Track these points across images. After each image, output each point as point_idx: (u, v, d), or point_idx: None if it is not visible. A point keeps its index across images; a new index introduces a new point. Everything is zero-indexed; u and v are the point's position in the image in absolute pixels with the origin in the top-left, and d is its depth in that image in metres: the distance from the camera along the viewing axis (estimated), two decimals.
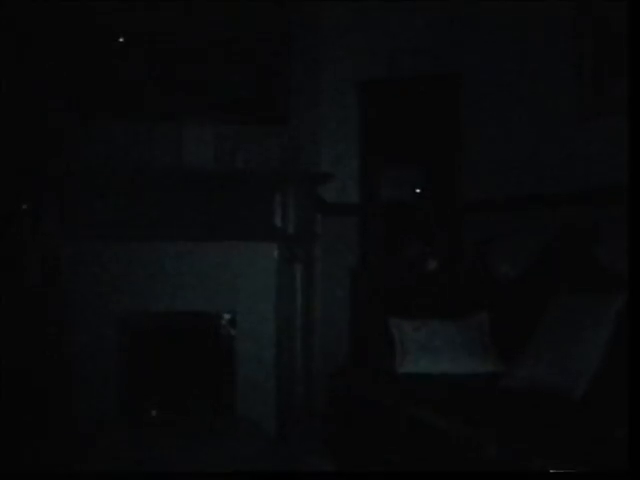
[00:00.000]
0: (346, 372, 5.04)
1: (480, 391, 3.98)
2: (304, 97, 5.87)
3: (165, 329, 5.66)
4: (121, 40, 5.52)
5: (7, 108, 5.10)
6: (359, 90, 5.76)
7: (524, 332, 4.06)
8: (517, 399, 3.71)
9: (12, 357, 5.03)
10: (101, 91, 5.49)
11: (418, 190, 5.83)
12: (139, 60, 5.57)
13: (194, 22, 5.62)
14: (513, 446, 3.10)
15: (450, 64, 5.76)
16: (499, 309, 4.56)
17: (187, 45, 5.64)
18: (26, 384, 5.05)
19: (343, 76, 5.80)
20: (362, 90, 5.75)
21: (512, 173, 5.32)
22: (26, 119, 5.10)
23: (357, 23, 5.84)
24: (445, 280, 5.44)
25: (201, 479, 4.43)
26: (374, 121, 5.70)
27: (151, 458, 4.73)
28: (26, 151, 5.08)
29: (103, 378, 5.42)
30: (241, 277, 5.65)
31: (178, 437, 5.18)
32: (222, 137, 5.58)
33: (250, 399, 5.66)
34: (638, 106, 2.75)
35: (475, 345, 4.40)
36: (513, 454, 3.05)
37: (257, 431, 5.41)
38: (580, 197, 4.66)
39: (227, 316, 5.67)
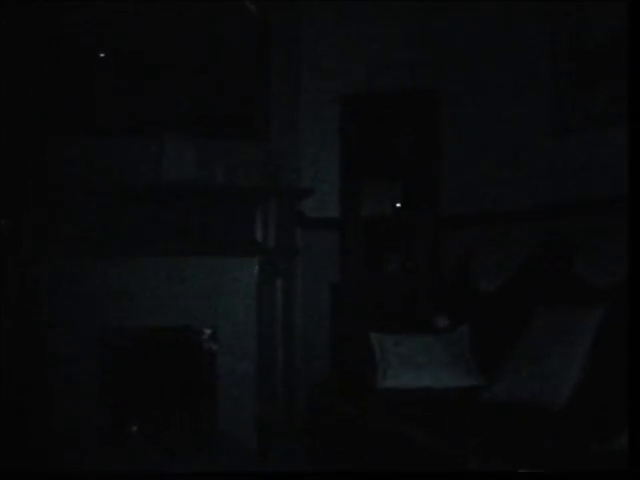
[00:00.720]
0: (327, 387, 5.03)
1: (461, 405, 3.99)
2: (284, 111, 5.88)
3: (146, 344, 5.63)
4: (102, 55, 5.51)
5: None
6: (339, 105, 5.77)
7: (505, 346, 4.07)
8: (498, 412, 3.71)
9: None
10: (81, 106, 5.47)
11: (398, 205, 5.84)
12: (120, 75, 5.56)
13: (175, 37, 5.62)
14: (495, 459, 3.10)
15: (430, 79, 5.79)
16: (480, 323, 4.57)
17: (168, 60, 5.63)
18: (6, 400, 5.02)
19: (323, 91, 5.83)
20: (342, 105, 5.77)
21: (492, 187, 5.34)
22: (4, 134, 5.07)
23: (337, 38, 5.88)
24: (426, 294, 5.45)
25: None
26: (354, 136, 5.72)
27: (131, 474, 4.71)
28: (4, 167, 5.05)
29: (83, 394, 5.39)
30: (222, 292, 5.64)
31: (158, 453, 5.16)
32: (203, 152, 5.57)
33: (231, 414, 5.64)
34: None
35: (456, 359, 4.40)
36: (495, 467, 3.05)
37: (238, 446, 5.40)
38: (560, 211, 4.69)
39: (208, 331, 5.66)
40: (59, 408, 5.27)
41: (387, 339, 4.52)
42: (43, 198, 5.18)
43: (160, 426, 5.57)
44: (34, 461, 4.89)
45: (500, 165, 5.29)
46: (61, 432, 5.22)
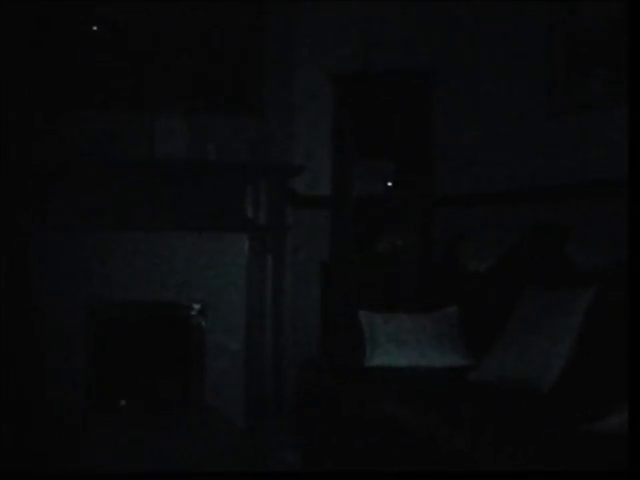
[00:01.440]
0: (315, 364, 5.03)
1: (449, 384, 4.00)
2: (277, 89, 5.86)
3: (135, 319, 5.64)
4: (95, 29, 5.49)
5: None
6: (333, 83, 5.76)
7: (493, 326, 4.09)
8: (486, 392, 3.73)
9: None
10: (72, 80, 5.45)
11: (390, 184, 5.84)
12: (111, 50, 5.54)
13: (167, 12, 5.59)
14: (482, 438, 3.11)
15: (424, 60, 5.78)
16: (469, 303, 4.58)
17: (160, 35, 5.60)
18: None
19: (317, 69, 5.81)
20: (336, 83, 5.75)
21: (483, 169, 5.35)
22: None
23: (332, 15, 5.86)
24: (416, 273, 5.46)
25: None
26: (347, 114, 5.71)
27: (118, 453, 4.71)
28: None
29: (72, 367, 5.39)
30: (212, 268, 5.64)
31: (146, 428, 5.16)
32: (194, 128, 5.56)
33: (219, 390, 5.65)
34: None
35: (445, 338, 4.41)
36: (483, 447, 3.06)
37: (226, 423, 5.41)
38: (551, 194, 4.70)
39: (197, 307, 5.66)
40: (48, 381, 5.27)
41: (376, 317, 4.53)
42: (33, 172, 5.16)
43: (148, 401, 5.58)
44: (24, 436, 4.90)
45: (493, 147, 5.30)
46: (50, 404, 5.23)
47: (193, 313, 5.68)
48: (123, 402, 5.53)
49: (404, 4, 5.90)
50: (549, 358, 3.60)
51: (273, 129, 5.78)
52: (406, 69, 5.71)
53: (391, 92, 5.70)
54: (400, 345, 4.37)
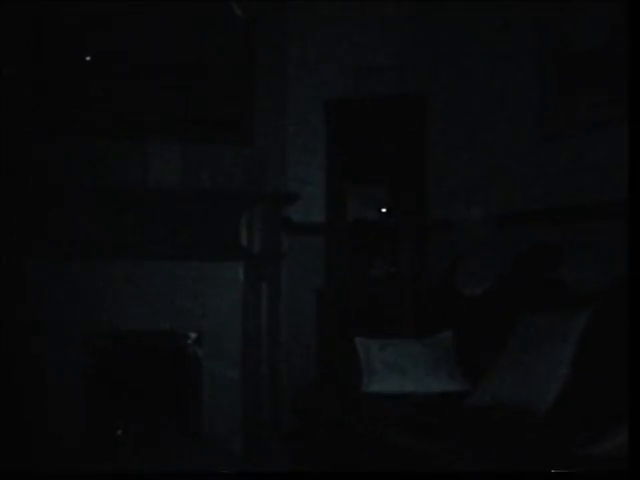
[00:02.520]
0: (313, 391, 5.03)
1: (446, 410, 3.99)
2: (270, 116, 5.87)
3: (131, 348, 5.62)
4: (88, 57, 5.50)
5: None
6: (325, 109, 5.79)
7: (490, 350, 4.08)
8: (482, 417, 3.72)
9: None
10: (67, 107, 5.45)
11: (384, 209, 5.85)
12: (105, 78, 5.54)
13: (161, 40, 5.61)
14: (479, 463, 3.11)
15: (416, 84, 5.80)
16: (464, 327, 4.58)
17: (154, 62, 5.62)
18: None
19: (309, 95, 5.83)
20: (328, 109, 5.78)
21: (478, 192, 5.36)
22: None
23: (324, 42, 5.88)
24: (411, 299, 5.46)
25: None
26: (340, 140, 5.73)
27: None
28: None
29: (69, 397, 5.37)
30: (207, 296, 5.62)
31: (144, 457, 5.15)
32: (188, 156, 5.57)
33: (217, 417, 5.63)
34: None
35: (441, 364, 4.41)
36: (479, 471, 3.05)
37: (224, 449, 5.39)
38: (545, 216, 4.71)
39: (193, 335, 5.65)
40: (44, 412, 5.25)
41: (372, 344, 4.52)
42: (29, 199, 5.16)
43: (145, 430, 5.56)
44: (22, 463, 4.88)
45: (486, 170, 5.31)
46: (47, 435, 5.21)
47: (189, 342, 5.66)
48: (119, 432, 5.51)
49: (395, 29, 5.93)
50: (545, 382, 3.60)
51: (266, 156, 5.78)
52: (398, 94, 5.74)
53: (383, 117, 5.72)
54: (396, 371, 4.37)
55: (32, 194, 5.16)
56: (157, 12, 5.59)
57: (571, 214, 4.49)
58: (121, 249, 5.39)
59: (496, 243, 5.02)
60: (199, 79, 5.73)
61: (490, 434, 3.47)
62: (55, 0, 5.34)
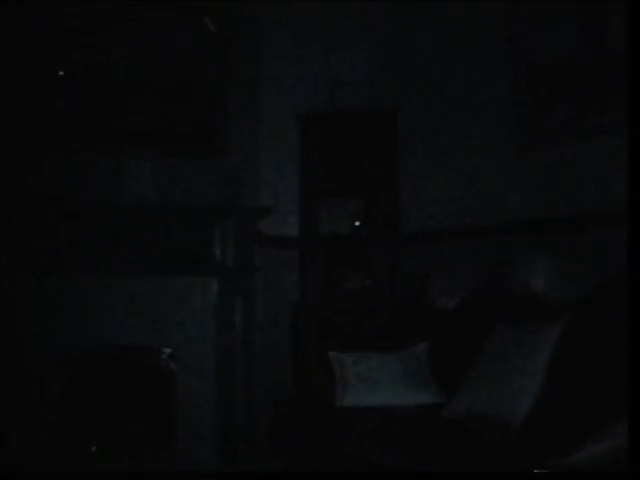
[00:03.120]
0: (287, 405, 5.02)
1: (421, 422, 3.99)
2: (244, 130, 5.88)
3: (105, 363, 5.59)
4: (61, 73, 5.48)
5: None
6: (299, 123, 5.79)
7: (464, 363, 4.08)
8: (457, 429, 3.72)
9: None
10: (40, 123, 5.43)
11: (357, 223, 5.86)
12: (78, 92, 5.53)
13: (135, 56, 5.60)
14: (452, 475, 3.11)
15: (389, 98, 5.82)
16: (438, 340, 4.58)
17: (126, 78, 5.61)
18: None
19: (283, 109, 5.84)
20: (302, 123, 5.79)
21: (451, 205, 5.37)
22: None
23: (297, 57, 5.90)
24: (385, 312, 5.46)
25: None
26: (314, 154, 5.74)
27: None
28: None
29: (41, 414, 5.33)
30: (181, 311, 5.61)
31: (117, 472, 5.13)
32: (162, 171, 5.56)
33: (191, 433, 5.60)
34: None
35: (415, 377, 4.41)
36: None
37: (199, 465, 5.37)
38: (518, 228, 4.72)
39: (167, 350, 5.63)
40: (17, 427, 5.21)
41: (346, 357, 4.52)
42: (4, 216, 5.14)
43: (119, 446, 5.52)
44: None
45: (459, 183, 5.32)
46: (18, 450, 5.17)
47: (163, 356, 5.64)
48: (94, 448, 5.47)
49: (368, 43, 5.95)
50: (520, 393, 3.60)
51: (240, 170, 5.78)
52: (371, 108, 5.76)
53: (357, 131, 5.75)
54: (371, 385, 4.36)
55: (4, 209, 5.14)
56: (130, 28, 5.59)
57: (544, 226, 4.51)
58: (95, 264, 5.37)
59: (469, 256, 5.03)
60: (173, 94, 5.72)
61: (464, 446, 3.47)
62: (27, 15, 5.33)
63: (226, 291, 5.65)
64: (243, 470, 4.38)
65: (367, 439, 3.80)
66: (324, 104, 5.81)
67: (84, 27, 5.49)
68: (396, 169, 5.75)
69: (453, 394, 4.01)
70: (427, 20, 5.65)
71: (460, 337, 4.44)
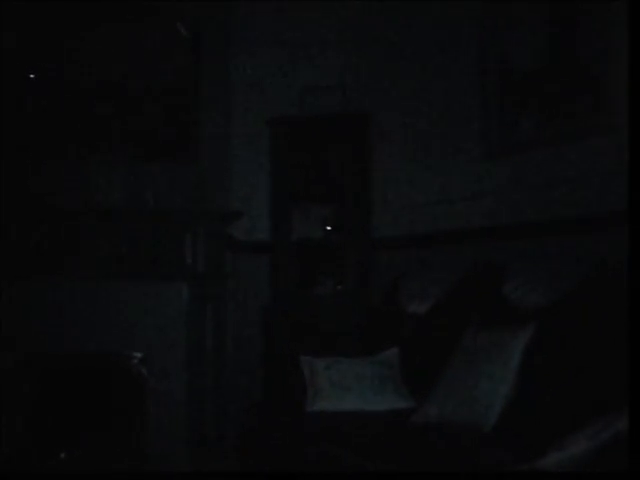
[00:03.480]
0: (257, 411, 5.01)
1: (391, 428, 3.99)
2: (214, 135, 5.87)
3: (73, 369, 5.56)
4: (32, 77, 5.46)
5: None
6: (270, 128, 5.79)
7: (435, 367, 4.09)
8: (428, 434, 3.72)
9: None
10: (10, 129, 5.40)
11: (329, 227, 5.86)
12: (50, 98, 5.51)
13: (106, 61, 5.58)
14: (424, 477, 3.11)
15: (359, 103, 5.83)
16: (409, 345, 4.59)
17: (96, 84, 5.59)
18: None
19: (254, 113, 5.84)
20: (272, 127, 5.78)
21: (422, 210, 5.38)
22: None
23: (268, 61, 5.90)
24: (356, 316, 5.46)
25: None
26: (285, 158, 5.74)
27: None
28: None
29: (10, 419, 5.29)
30: (151, 316, 5.57)
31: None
32: (131, 176, 5.54)
33: (162, 438, 5.57)
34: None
35: (386, 381, 4.41)
36: None
37: (170, 469, 5.35)
38: (489, 234, 4.74)
39: (138, 355, 5.60)
40: None
41: (317, 362, 4.51)
42: None
43: (89, 452, 5.49)
44: None
45: (431, 188, 5.33)
46: None
47: (134, 361, 5.61)
48: (63, 454, 5.44)
49: (339, 47, 5.96)
50: (490, 398, 3.61)
51: (210, 175, 5.77)
52: (342, 112, 5.77)
53: (328, 136, 5.76)
54: (342, 390, 4.36)
55: None
56: (101, 32, 5.57)
57: (514, 231, 4.53)
58: (63, 268, 5.34)
59: (441, 261, 5.04)
60: (143, 98, 5.70)
61: (435, 451, 3.47)
62: None
63: (197, 296, 5.63)
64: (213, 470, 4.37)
65: (336, 445, 3.79)
66: (295, 109, 5.80)
67: (54, 31, 5.47)
68: (368, 174, 5.76)
69: (424, 399, 4.01)
70: (399, 25, 5.66)
71: (431, 342, 4.45)
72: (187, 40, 5.79)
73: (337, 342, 5.23)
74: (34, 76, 5.48)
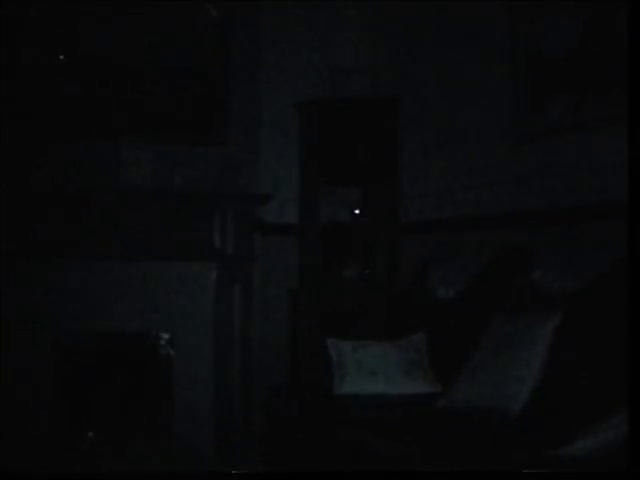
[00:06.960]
0: (284, 393, 5.03)
1: (417, 411, 3.99)
2: (244, 117, 5.87)
3: (103, 349, 5.60)
4: (61, 57, 5.48)
5: None
6: (299, 110, 5.78)
7: (462, 353, 4.09)
8: (454, 418, 3.73)
9: None
10: (39, 109, 5.43)
11: (357, 211, 5.86)
12: (78, 79, 5.53)
13: (134, 41, 5.60)
14: (447, 465, 3.11)
15: (390, 86, 5.81)
16: (437, 329, 4.58)
17: (126, 64, 5.60)
18: None
19: (283, 96, 5.83)
20: (302, 110, 5.77)
21: (451, 195, 5.36)
22: None
23: (297, 43, 5.89)
24: (384, 300, 5.46)
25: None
26: (313, 141, 5.73)
27: None
28: None
29: (38, 399, 5.34)
30: (180, 297, 5.61)
31: (114, 459, 5.13)
32: (161, 157, 5.56)
33: (189, 419, 5.62)
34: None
35: (413, 366, 4.41)
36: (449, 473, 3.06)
37: (196, 450, 5.38)
38: (517, 219, 4.72)
39: (166, 336, 5.64)
40: (13, 413, 5.22)
41: (344, 345, 4.52)
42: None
43: (117, 431, 5.53)
44: None
45: (459, 173, 5.31)
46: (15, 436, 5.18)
47: (162, 343, 5.65)
48: (91, 433, 5.48)
49: (369, 31, 5.94)
50: (517, 383, 3.61)
51: (240, 157, 5.78)
52: (372, 96, 5.75)
53: (357, 119, 5.74)
54: (368, 373, 4.37)
55: (4, 196, 5.14)
56: (127, 13, 5.58)
57: (544, 217, 4.51)
58: (93, 249, 5.37)
59: (469, 245, 5.03)
60: (173, 80, 5.72)
61: (462, 436, 3.47)
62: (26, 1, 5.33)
63: (225, 278, 5.66)
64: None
65: (363, 428, 3.80)
66: (325, 92, 5.79)
67: (83, 13, 5.48)
68: (396, 158, 5.74)
69: (451, 383, 4.02)
70: (430, 9, 5.63)
71: (459, 327, 4.44)
72: (217, 21, 5.79)
73: (364, 325, 5.24)
74: (63, 57, 5.49)
